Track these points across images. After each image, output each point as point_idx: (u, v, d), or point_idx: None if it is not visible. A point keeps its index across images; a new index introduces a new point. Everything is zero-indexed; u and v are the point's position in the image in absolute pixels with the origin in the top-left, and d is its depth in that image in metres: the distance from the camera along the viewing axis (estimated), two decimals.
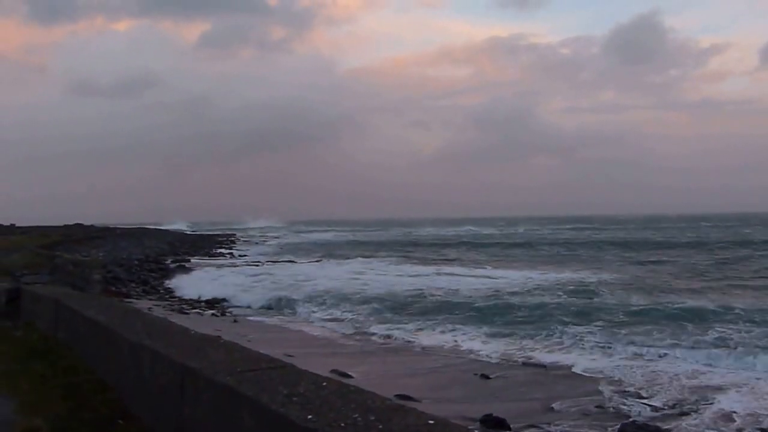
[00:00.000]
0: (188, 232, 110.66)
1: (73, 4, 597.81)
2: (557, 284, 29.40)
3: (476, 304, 23.22)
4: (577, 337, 17.61)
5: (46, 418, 5.56)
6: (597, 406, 11.35)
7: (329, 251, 60.47)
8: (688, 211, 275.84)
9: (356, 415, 3.35)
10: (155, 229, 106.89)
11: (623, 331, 17.97)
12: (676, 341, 16.79)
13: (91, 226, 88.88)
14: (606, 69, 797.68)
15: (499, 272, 36.60)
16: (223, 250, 62.98)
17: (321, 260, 48.30)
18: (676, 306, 22.05)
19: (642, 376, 13.47)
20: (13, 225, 70.45)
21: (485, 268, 39.77)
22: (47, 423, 5.44)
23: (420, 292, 27.15)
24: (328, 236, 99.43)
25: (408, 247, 65.05)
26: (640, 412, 11.08)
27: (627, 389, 12.51)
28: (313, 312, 22.90)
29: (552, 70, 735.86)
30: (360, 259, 49.13)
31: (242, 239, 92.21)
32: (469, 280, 31.97)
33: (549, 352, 16.27)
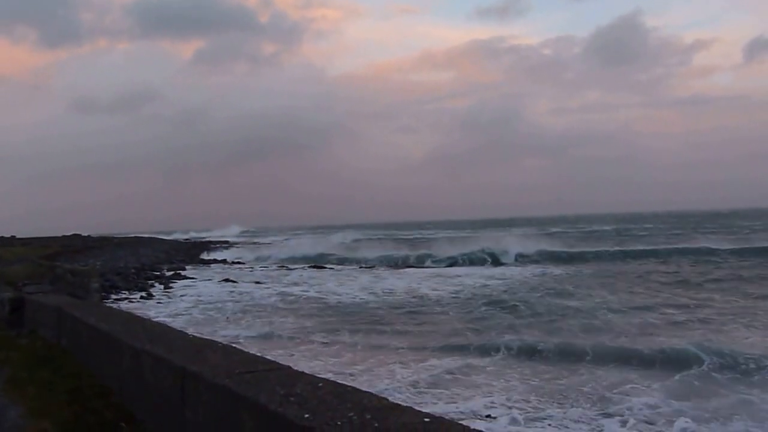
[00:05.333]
0: (182, 240, 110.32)
1: (78, 28, 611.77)
2: None
3: None
4: None
5: (52, 423, 5.70)
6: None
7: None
8: (683, 207, 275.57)
9: (352, 414, 3.38)
10: (151, 238, 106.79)
11: None
12: None
13: (89, 236, 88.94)
14: (590, 68, 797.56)
15: None
16: (216, 257, 62.71)
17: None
18: None
19: None
20: (13, 237, 70.45)
21: None
22: (54, 427, 5.58)
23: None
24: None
25: None
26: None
27: None
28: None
29: (535, 71, 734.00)
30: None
31: (236, 246, 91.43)
32: None
33: None
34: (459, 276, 37.55)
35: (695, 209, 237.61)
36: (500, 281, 33.64)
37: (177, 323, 18.81)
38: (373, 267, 47.15)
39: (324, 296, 29.03)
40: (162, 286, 32.47)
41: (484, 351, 15.62)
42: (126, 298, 26.83)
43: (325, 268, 46.97)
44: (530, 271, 39.71)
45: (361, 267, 47.50)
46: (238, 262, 55.77)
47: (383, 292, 30.36)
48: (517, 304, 23.77)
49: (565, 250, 51.64)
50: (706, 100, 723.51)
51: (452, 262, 48.13)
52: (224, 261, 57.29)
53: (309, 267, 47.85)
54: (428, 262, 48.79)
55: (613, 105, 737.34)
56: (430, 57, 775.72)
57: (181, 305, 25.84)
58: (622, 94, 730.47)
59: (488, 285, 31.92)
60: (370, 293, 29.86)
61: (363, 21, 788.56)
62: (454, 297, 27.51)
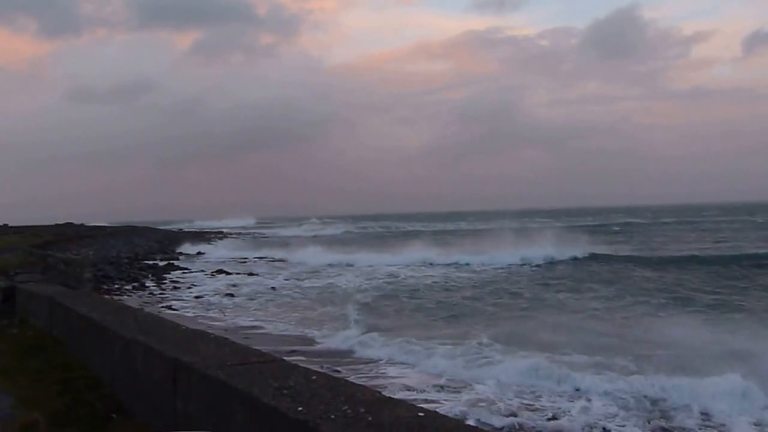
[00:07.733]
0: (175, 230, 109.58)
1: (78, 19, 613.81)
2: None
3: None
4: None
5: (43, 413, 5.65)
6: None
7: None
8: (684, 200, 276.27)
9: (346, 407, 3.40)
10: (145, 227, 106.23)
11: None
12: None
13: (81, 225, 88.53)
14: (588, 60, 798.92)
15: None
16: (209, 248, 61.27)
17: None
18: None
19: None
20: (6, 225, 69.96)
21: None
22: (45, 418, 5.54)
23: None
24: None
25: None
26: None
27: None
28: None
29: (532, 62, 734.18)
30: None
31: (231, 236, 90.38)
32: None
33: None
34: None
35: (695, 202, 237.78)
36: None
37: (184, 319, 18.54)
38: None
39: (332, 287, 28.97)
40: (155, 278, 32.23)
41: None
42: (118, 289, 26.63)
43: None
44: None
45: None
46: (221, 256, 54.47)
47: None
48: None
49: None
50: (705, 93, 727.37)
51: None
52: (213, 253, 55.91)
53: None
54: None
55: (611, 97, 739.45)
56: (427, 47, 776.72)
57: (183, 297, 25.51)
58: (621, 85, 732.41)
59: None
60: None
61: (359, 11, 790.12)
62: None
